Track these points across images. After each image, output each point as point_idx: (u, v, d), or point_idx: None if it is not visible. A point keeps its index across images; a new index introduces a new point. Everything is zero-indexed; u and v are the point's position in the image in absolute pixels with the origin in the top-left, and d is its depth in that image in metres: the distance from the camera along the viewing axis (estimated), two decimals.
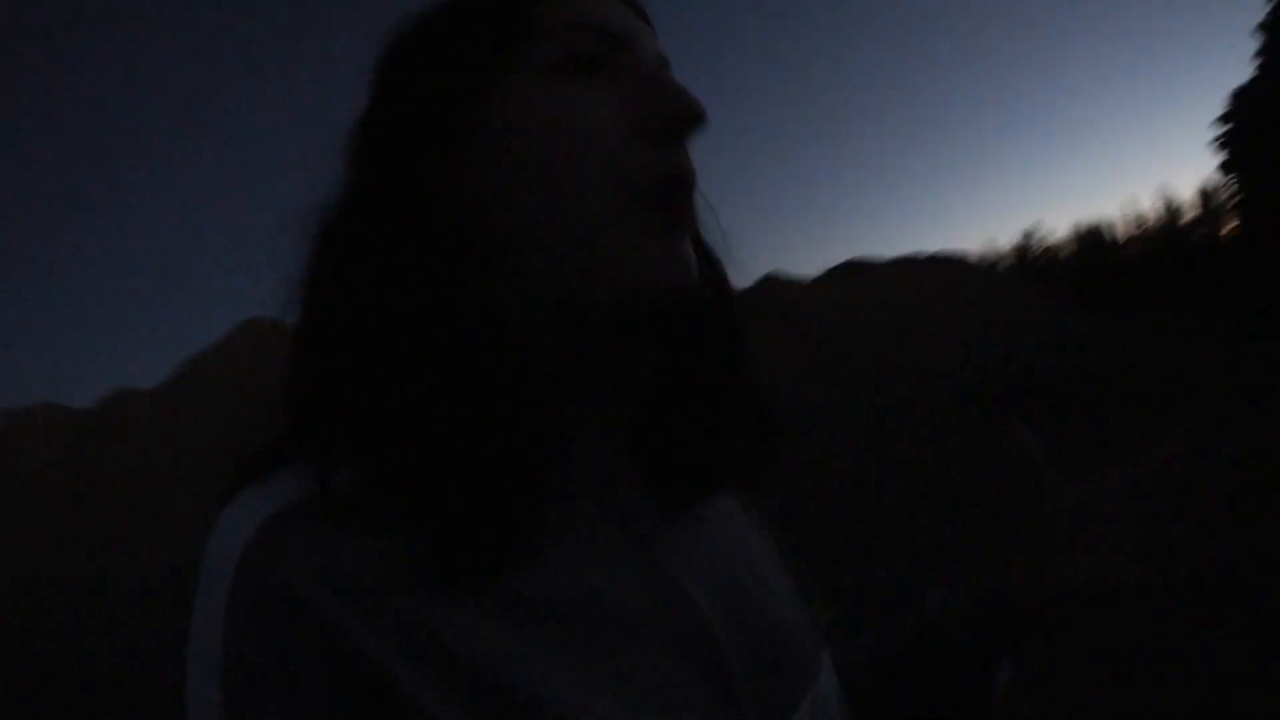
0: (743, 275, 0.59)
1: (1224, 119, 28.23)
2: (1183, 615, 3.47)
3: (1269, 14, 23.54)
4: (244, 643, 0.38)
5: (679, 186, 0.48)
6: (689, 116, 0.48)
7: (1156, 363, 12.13)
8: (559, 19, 0.49)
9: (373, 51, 0.54)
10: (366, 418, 0.43)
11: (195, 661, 0.40)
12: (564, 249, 0.46)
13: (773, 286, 38.97)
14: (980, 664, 0.65)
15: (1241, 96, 26.75)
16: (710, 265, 0.56)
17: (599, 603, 0.45)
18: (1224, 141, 28.62)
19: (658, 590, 0.49)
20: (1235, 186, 29.53)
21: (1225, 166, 29.37)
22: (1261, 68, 25.05)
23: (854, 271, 45.21)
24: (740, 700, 0.48)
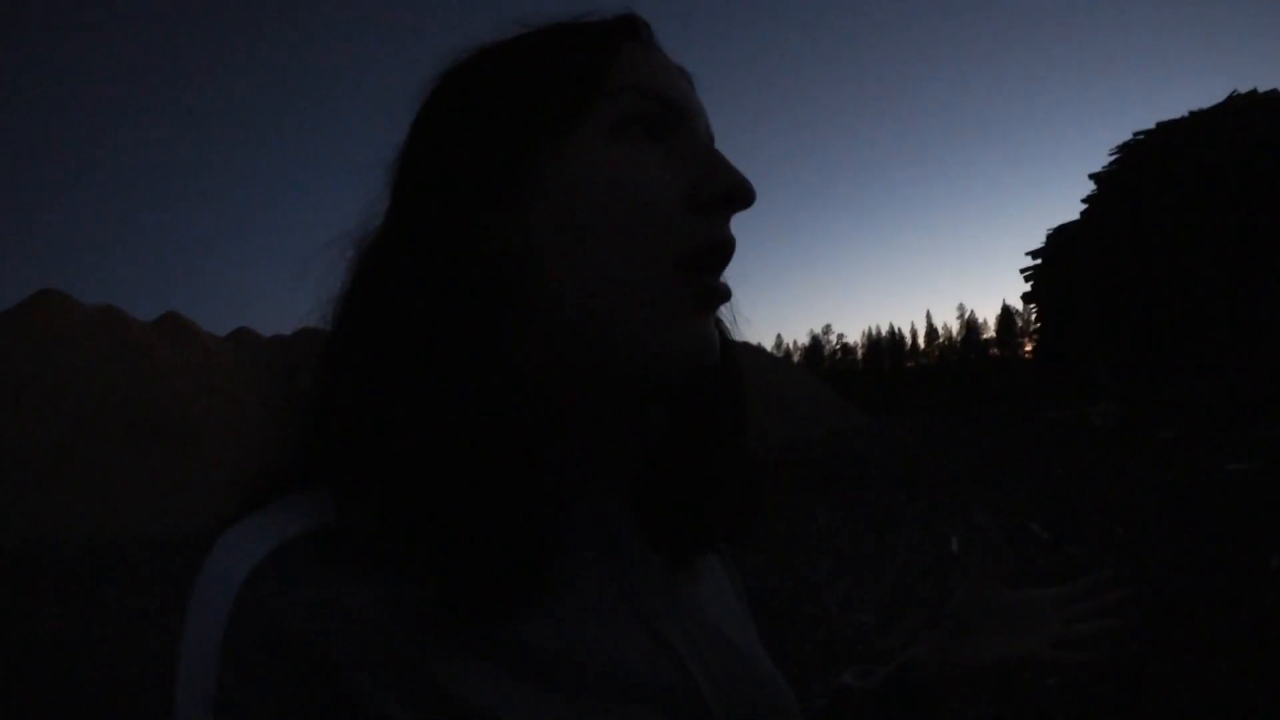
0: None
1: (1036, 254, 30.82)
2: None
3: (1110, 165, 25.89)
4: (239, 678, 0.38)
5: (720, 258, 0.50)
6: (741, 195, 0.50)
7: (929, 463, 13.02)
8: (626, 81, 0.50)
9: (407, 79, 0.54)
10: (382, 455, 0.43)
11: (186, 685, 0.40)
12: (605, 310, 0.47)
13: None
14: None
15: (1057, 235, 29.27)
16: (720, 332, 0.57)
17: (591, 655, 0.46)
18: (1032, 274, 31.22)
19: (646, 644, 0.50)
20: (1035, 315, 32.28)
21: (1027, 296, 32.08)
22: (1085, 213, 27.50)
23: None
24: None
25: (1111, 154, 26.00)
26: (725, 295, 0.51)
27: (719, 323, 0.58)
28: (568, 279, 0.47)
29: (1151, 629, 4.15)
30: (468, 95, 0.51)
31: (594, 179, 0.47)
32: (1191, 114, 23.12)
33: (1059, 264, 28.79)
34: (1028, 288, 31.34)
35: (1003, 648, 0.73)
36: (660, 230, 0.48)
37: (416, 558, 0.41)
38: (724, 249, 0.50)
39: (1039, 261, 30.57)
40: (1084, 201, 27.67)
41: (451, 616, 0.41)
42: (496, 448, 0.43)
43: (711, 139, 0.55)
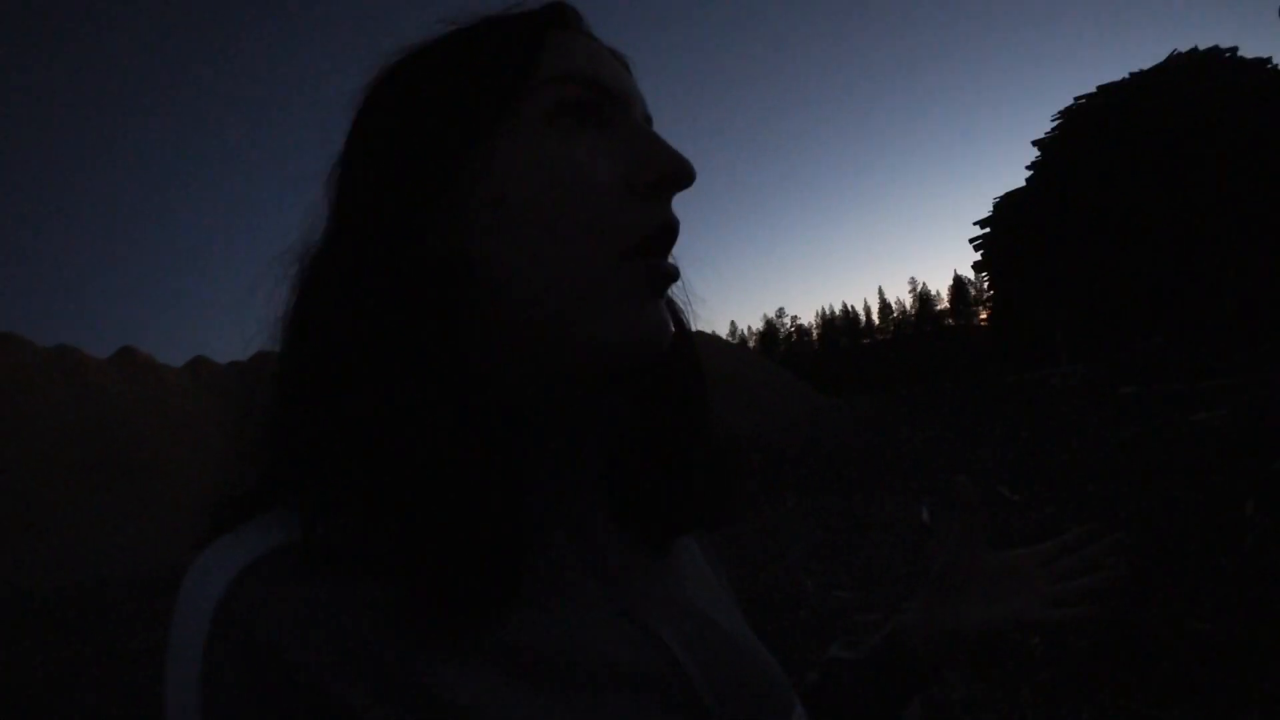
0: None
1: (984, 223, 31.17)
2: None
3: (1052, 130, 26.14)
4: (223, 695, 0.38)
5: (665, 242, 0.50)
6: (680, 175, 0.50)
7: (892, 438, 13.03)
8: (555, 71, 0.50)
9: (347, 89, 0.54)
10: (343, 466, 0.43)
11: (174, 709, 0.40)
12: (553, 304, 0.47)
13: None
14: (884, 705, 0.71)
15: (1004, 204, 29.59)
16: (674, 314, 0.58)
17: (575, 648, 0.46)
18: (981, 243, 31.58)
19: (631, 633, 0.49)
20: (988, 283, 32.68)
21: (978, 266, 32.48)
22: (1030, 180, 27.79)
23: None
24: None
25: (1054, 119, 26.33)
26: (674, 276, 0.50)
27: (671, 304, 0.57)
28: (513, 275, 0.47)
29: (1131, 584, 4.08)
30: (397, 99, 0.51)
31: (529, 172, 0.47)
32: (1132, 75, 23.46)
33: (1008, 231, 29.18)
34: (978, 257, 31.84)
35: (989, 610, 0.72)
36: (601, 218, 0.47)
37: (389, 564, 0.41)
38: (668, 232, 0.50)
39: (988, 230, 31.01)
40: (1029, 168, 28.04)
41: (429, 619, 0.41)
42: (457, 448, 0.43)
43: (649, 121, 0.54)
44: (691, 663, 0.50)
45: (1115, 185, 22.74)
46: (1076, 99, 25.48)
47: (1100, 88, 24.32)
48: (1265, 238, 19.37)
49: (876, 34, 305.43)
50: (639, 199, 0.48)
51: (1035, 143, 27.26)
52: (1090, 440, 8.74)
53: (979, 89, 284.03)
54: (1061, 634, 3.64)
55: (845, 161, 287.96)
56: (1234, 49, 21.78)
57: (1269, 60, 21.32)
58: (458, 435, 0.44)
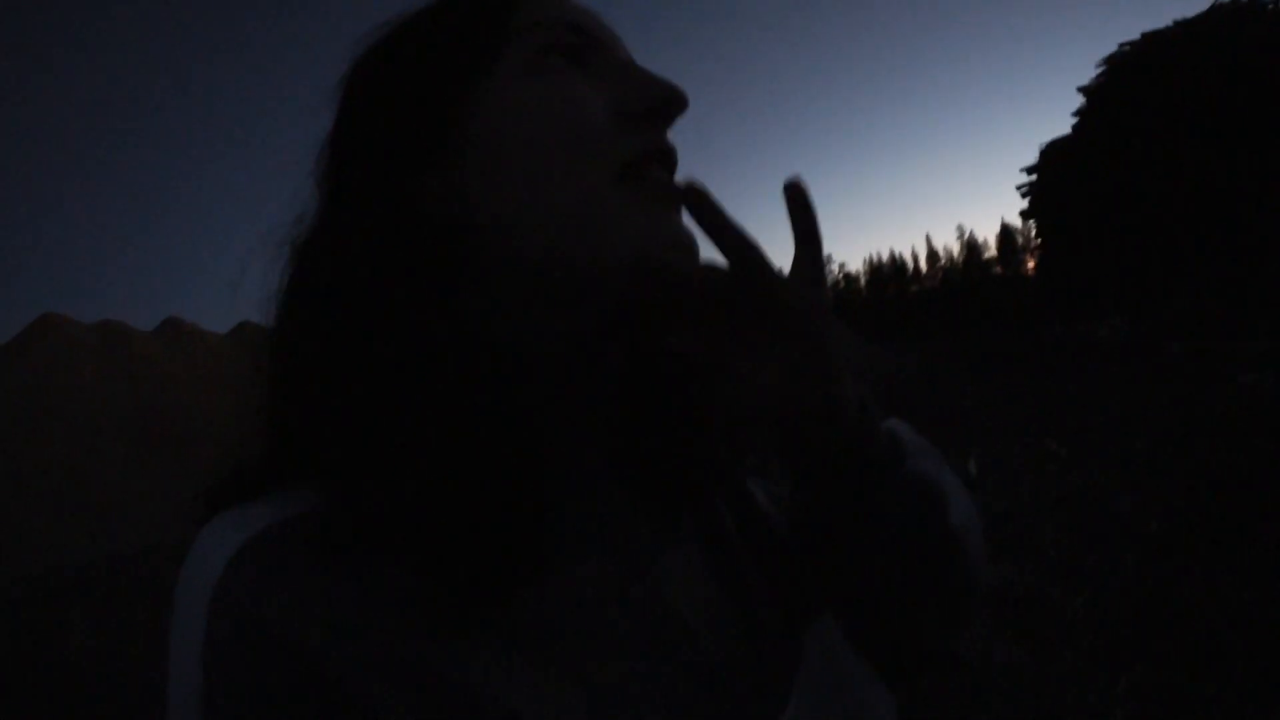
0: None
1: (1031, 170, 31.02)
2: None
3: (1098, 78, 25.96)
4: (224, 674, 0.37)
5: (663, 163, 0.49)
6: (672, 100, 0.49)
7: (938, 390, 13.12)
8: (533, 18, 0.49)
9: (336, 69, 0.53)
10: (350, 441, 0.42)
11: (175, 690, 0.39)
12: (556, 229, 0.46)
13: None
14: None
15: (1050, 151, 29.43)
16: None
17: (584, 617, 0.45)
18: (1028, 191, 31.44)
19: (640, 599, 0.48)
20: (1035, 232, 32.53)
21: (1026, 214, 32.31)
22: (1076, 127, 27.63)
23: None
24: (733, 702, 0.48)
25: (1099, 66, 26.12)
26: (679, 193, 0.47)
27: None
28: (510, 219, 0.46)
29: (1172, 548, 4.18)
30: (381, 67, 0.51)
31: (517, 115, 0.46)
32: (1176, 23, 23.19)
33: (1054, 179, 28.95)
34: (1025, 204, 31.60)
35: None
36: (593, 145, 0.46)
37: (396, 542, 0.40)
38: (665, 156, 0.49)
39: (1034, 178, 30.67)
40: (1074, 115, 27.83)
41: (440, 597, 0.40)
42: (465, 416, 0.42)
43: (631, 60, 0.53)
44: (702, 628, 0.49)
45: (1162, 134, 22.67)
46: (1121, 45, 25.24)
47: (1145, 35, 24.02)
48: None
49: None
50: (632, 126, 0.48)
51: (1081, 89, 27.05)
52: (1137, 397, 8.86)
53: (1026, 35, 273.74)
54: (1104, 599, 3.68)
55: (893, 108, 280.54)
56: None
57: None
58: (467, 402, 0.42)
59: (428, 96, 0.48)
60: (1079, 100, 27.42)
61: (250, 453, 0.47)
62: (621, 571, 0.49)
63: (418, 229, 0.46)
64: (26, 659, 6.09)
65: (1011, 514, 5.48)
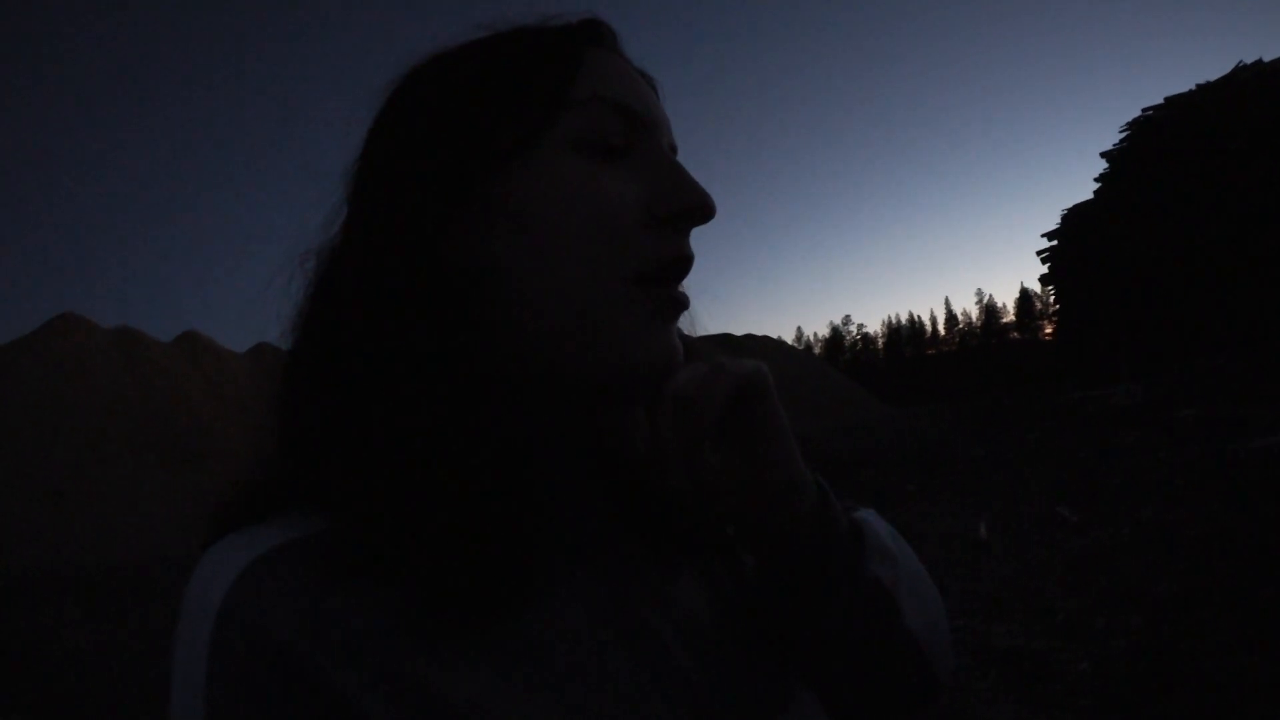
0: None
1: (1052, 235, 30.75)
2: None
3: (1120, 142, 25.77)
4: (227, 691, 0.38)
5: (678, 272, 0.51)
6: (700, 210, 0.50)
7: (952, 451, 12.99)
8: (588, 92, 0.50)
9: (362, 83, 0.53)
10: (355, 467, 0.44)
11: (179, 696, 0.40)
12: (567, 321, 0.48)
13: None
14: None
15: (1072, 216, 29.19)
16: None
17: (571, 643, 0.46)
18: (1048, 256, 31.14)
19: (630, 631, 0.49)
20: (1054, 297, 32.17)
21: (1045, 279, 32.00)
22: (1098, 192, 27.39)
23: None
24: None
25: (1122, 131, 25.95)
26: (684, 304, 0.51)
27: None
28: (530, 292, 0.47)
29: (1182, 612, 4.11)
30: (427, 105, 0.51)
31: (555, 194, 0.47)
32: (1199, 87, 23.03)
33: (1075, 244, 28.70)
34: (1045, 269, 31.34)
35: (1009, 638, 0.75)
36: (619, 245, 0.48)
37: (396, 563, 0.42)
38: (681, 264, 0.50)
39: (1055, 243, 30.50)
40: (1097, 180, 27.63)
41: (434, 619, 0.41)
42: (467, 454, 0.44)
43: (674, 150, 0.55)
44: (685, 656, 0.50)
45: (1183, 199, 22.36)
46: (1144, 110, 25.10)
47: (1168, 99, 23.92)
48: None
49: (950, 46, 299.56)
50: (657, 229, 0.49)
51: (1104, 154, 26.88)
52: (1149, 462, 8.76)
53: (1048, 100, 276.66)
54: (1111, 661, 3.64)
55: (916, 171, 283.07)
56: None
57: None
58: (470, 439, 0.44)
59: (473, 152, 0.49)
60: (1102, 165, 27.20)
61: (258, 474, 0.48)
62: (613, 595, 0.51)
63: (441, 278, 0.47)
64: (17, 658, 5.99)
65: (1020, 576, 5.39)
